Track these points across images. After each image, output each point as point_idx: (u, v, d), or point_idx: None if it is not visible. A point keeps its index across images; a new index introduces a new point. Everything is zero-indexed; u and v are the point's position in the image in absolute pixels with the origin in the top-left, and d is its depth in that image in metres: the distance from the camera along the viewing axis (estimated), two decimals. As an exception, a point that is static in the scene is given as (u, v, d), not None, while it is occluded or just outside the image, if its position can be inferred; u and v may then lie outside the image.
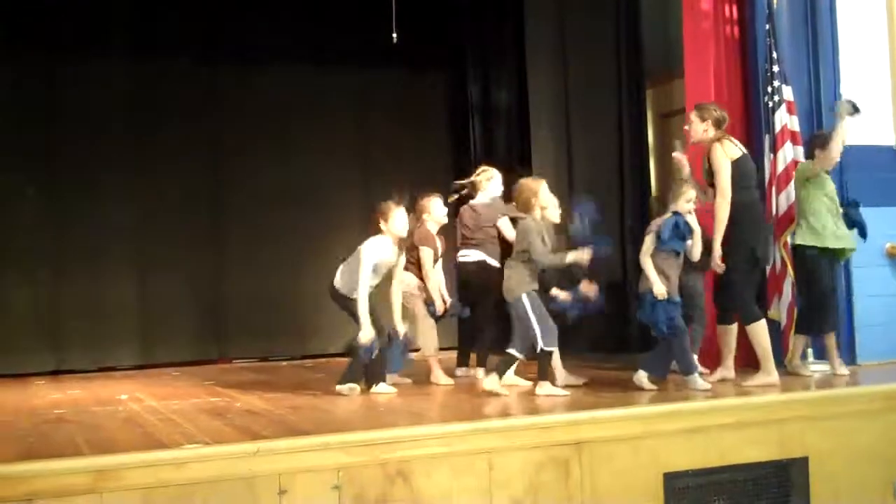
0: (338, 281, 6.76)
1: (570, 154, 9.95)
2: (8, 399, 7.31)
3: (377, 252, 6.61)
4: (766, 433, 5.60)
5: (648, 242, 6.30)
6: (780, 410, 5.72)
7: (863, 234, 6.99)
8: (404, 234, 6.75)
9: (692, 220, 6.29)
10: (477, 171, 7.67)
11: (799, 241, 6.78)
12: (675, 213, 6.26)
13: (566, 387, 6.41)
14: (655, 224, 6.36)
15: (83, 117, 9.64)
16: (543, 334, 6.14)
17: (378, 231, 6.70)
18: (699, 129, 6.54)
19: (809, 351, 7.06)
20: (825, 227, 6.71)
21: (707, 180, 6.53)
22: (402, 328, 6.95)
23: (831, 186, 6.82)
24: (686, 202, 6.27)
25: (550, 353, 6.22)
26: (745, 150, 6.57)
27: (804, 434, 5.68)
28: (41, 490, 4.21)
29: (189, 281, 10.06)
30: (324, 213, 10.39)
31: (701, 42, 7.56)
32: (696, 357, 6.61)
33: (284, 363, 9.87)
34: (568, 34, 9.98)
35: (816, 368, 6.90)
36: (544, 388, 6.18)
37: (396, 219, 6.66)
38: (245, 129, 10.17)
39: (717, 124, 6.51)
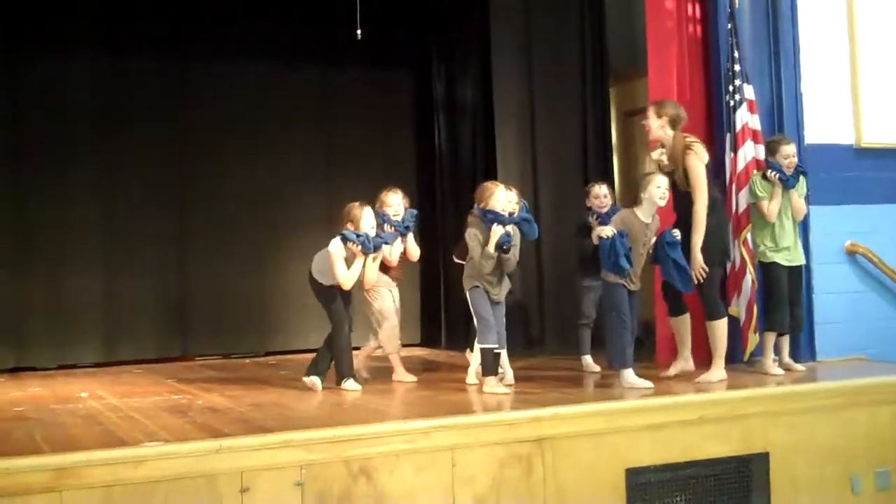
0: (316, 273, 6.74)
1: (534, 151, 9.96)
2: (-34, 397, 7.23)
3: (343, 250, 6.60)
4: (727, 429, 5.64)
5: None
6: (741, 406, 5.75)
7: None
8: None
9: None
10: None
11: (771, 260, 6.73)
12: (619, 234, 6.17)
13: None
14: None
15: (46, 115, 9.54)
16: (479, 331, 6.26)
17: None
18: (654, 124, 6.60)
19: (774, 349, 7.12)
20: (788, 247, 6.76)
21: (683, 185, 6.48)
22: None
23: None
24: (660, 198, 6.23)
25: (490, 350, 6.24)
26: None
27: (765, 430, 5.73)
28: (-1, 488, 4.17)
29: (151, 278, 9.97)
30: (287, 210, 10.35)
31: (664, 41, 7.59)
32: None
33: (247, 360, 9.81)
34: (533, 32, 9.99)
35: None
36: (487, 384, 6.22)
37: (365, 220, 6.64)
38: (208, 126, 10.10)
39: (673, 123, 6.56)
